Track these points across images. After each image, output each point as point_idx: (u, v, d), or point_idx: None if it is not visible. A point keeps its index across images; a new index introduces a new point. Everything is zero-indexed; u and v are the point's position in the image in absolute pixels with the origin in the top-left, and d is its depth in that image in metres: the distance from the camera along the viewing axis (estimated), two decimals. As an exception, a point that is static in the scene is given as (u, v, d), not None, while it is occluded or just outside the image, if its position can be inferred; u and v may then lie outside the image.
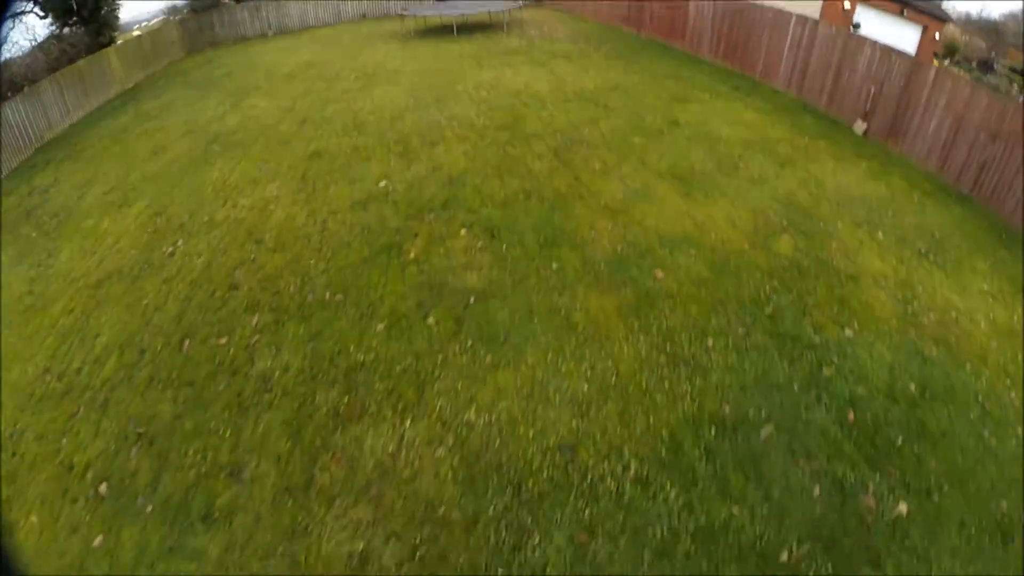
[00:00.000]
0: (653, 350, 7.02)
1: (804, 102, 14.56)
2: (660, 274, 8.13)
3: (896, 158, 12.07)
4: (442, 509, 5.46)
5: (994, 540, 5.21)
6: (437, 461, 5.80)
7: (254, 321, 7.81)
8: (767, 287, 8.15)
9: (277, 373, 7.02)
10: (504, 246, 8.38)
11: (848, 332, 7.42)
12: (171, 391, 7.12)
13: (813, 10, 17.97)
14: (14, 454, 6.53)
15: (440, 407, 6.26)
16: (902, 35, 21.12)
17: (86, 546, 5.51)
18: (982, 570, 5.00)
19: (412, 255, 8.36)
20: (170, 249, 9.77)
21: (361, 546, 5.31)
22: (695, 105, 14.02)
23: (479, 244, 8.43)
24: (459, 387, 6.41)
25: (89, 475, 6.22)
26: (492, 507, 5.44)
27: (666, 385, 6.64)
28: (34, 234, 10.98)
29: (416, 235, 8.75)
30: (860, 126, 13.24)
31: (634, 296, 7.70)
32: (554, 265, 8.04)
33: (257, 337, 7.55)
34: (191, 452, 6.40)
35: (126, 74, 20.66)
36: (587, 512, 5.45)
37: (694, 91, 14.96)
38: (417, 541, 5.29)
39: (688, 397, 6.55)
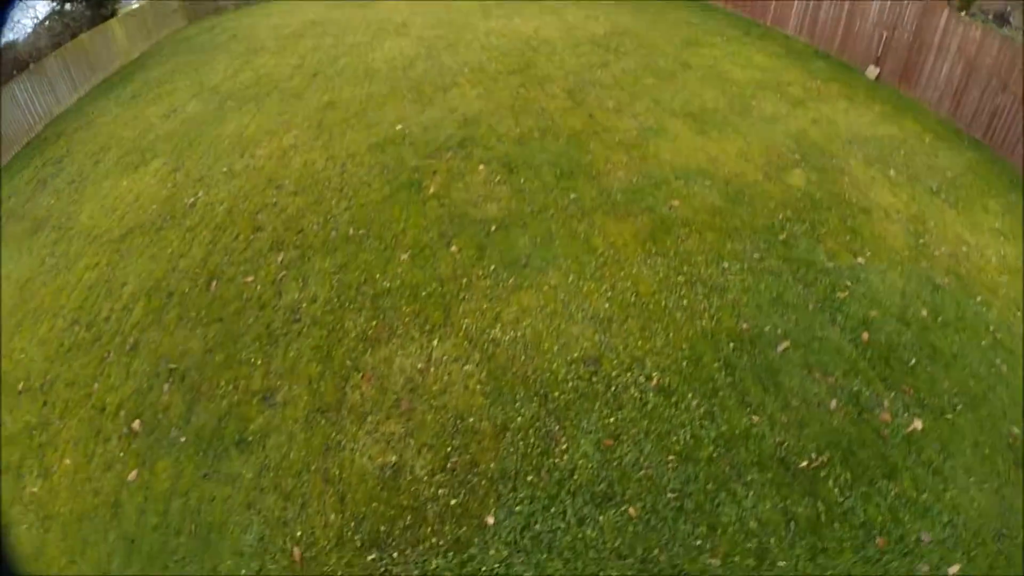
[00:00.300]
0: (671, 272, 7.00)
1: (816, 48, 14.14)
2: (675, 203, 8.06)
3: (908, 102, 11.75)
4: (471, 420, 5.55)
5: (1007, 462, 5.19)
6: (465, 375, 5.88)
7: (280, 258, 7.86)
8: (780, 216, 8.07)
9: (305, 304, 7.09)
10: (522, 179, 8.33)
11: (860, 260, 7.37)
12: (201, 328, 7.20)
13: None
14: (44, 403, 6.53)
15: (466, 326, 6.32)
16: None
17: (120, 481, 5.59)
18: (998, 489, 4.99)
19: (432, 190, 8.33)
20: (191, 200, 9.77)
21: (394, 458, 5.42)
22: (707, 49, 13.68)
23: (497, 178, 8.38)
24: (484, 308, 6.46)
25: (122, 414, 6.27)
26: (520, 416, 5.53)
27: (684, 303, 6.63)
28: (52, 201, 10.77)
29: (435, 172, 8.71)
30: (872, 71, 12.89)
31: (650, 223, 7.65)
32: (572, 195, 7.99)
33: (283, 273, 7.61)
34: (223, 383, 6.48)
35: (130, 45, 20.27)
36: (612, 419, 5.52)
37: (706, 36, 14.58)
38: (448, 451, 5.39)
39: (706, 314, 6.55)
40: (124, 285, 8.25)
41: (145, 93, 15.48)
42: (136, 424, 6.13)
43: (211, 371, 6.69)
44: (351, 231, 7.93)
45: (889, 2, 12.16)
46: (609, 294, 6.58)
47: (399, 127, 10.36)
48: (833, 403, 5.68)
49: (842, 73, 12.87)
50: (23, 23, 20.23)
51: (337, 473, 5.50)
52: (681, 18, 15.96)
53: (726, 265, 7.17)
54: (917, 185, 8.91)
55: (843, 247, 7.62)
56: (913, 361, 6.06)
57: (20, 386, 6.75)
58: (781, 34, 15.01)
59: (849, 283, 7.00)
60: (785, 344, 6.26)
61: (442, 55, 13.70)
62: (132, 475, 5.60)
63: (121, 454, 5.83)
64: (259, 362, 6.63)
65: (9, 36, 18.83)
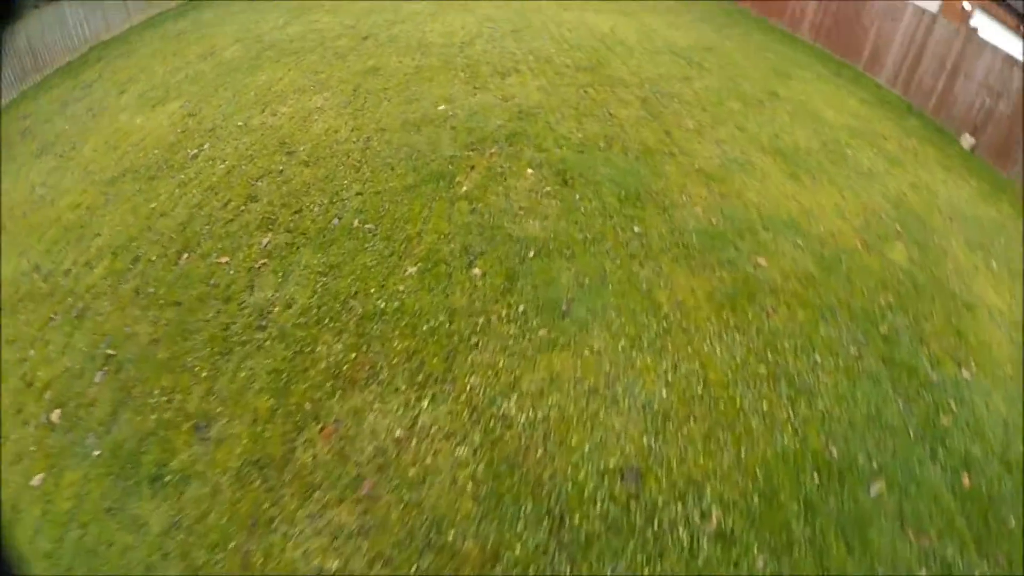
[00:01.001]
0: (751, 357, 5.04)
1: (910, 103, 11.95)
2: (762, 261, 6.07)
3: (1005, 183, 9.78)
4: (452, 533, 3.70)
5: None
6: (457, 463, 4.01)
7: (265, 241, 6.07)
8: (882, 300, 6.22)
9: (277, 308, 5.29)
10: (577, 195, 6.35)
11: (966, 373, 5.70)
12: (154, 310, 5.57)
13: (930, 3, 14.93)
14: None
15: (471, 387, 4.44)
16: (1016, 52, 17.71)
17: (25, 482, 4.37)
18: None
19: (464, 188, 6.41)
20: (194, 151, 8.08)
21: (335, 565, 3.61)
22: (796, 82, 11.54)
23: (547, 188, 6.42)
24: (500, 365, 4.56)
25: (47, 396, 4.99)
26: (521, 544, 3.66)
27: (764, 406, 4.70)
28: (66, 127, 9.52)
29: (472, 167, 6.78)
30: (968, 140, 10.75)
31: (731, 282, 5.67)
32: (636, 228, 6.01)
33: (264, 261, 5.82)
34: (158, 391, 4.85)
35: None
36: (648, 571, 3.62)
37: (795, 68, 12.41)
38: (412, 572, 3.55)
39: (789, 426, 4.63)
40: (96, 236, 6.77)
41: (192, 32, 13.94)
42: (56, 415, 4.82)
43: (150, 370, 5.04)
44: (356, 223, 6.08)
45: (999, 66, 10.08)
46: (669, 376, 4.64)
47: (442, 107, 8.45)
48: (923, 573, 4.04)
49: (937, 136, 10.84)
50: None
51: (260, 562, 3.72)
52: (768, 45, 13.77)
53: (818, 358, 5.24)
54: (1017, 283, 7.24)
55: (948, 353, 5.86)
56: (1013, 522, 4.53)
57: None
58: (873, 81, 12.82)
59: (954, 405, 5.35)
60: (880, 485, 4.53)
61: (506, 38, 11.73)
62: (37, 479, 4.40)
63: (33, 448, 4.61)
64: (204, 374, 4.90)
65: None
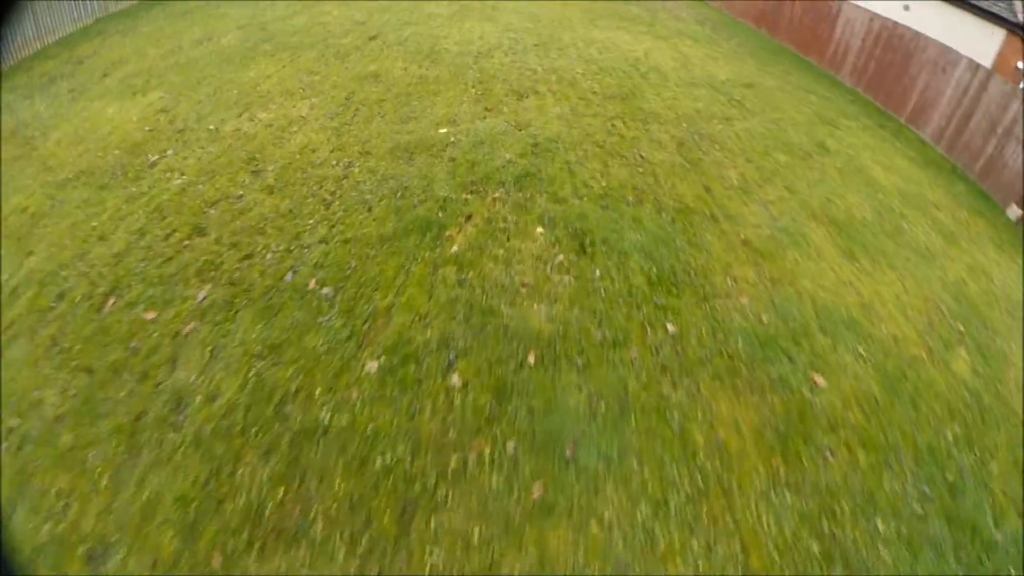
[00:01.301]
0: (804, 527, 3.68)
1: (954, 164, 10.57)
2: (820, 380, 4.69)
3: None
4: None
5: None
6: None
7: (201, 295, 4.70)
8: (948, 433, 4.97)
9: (198, 399, 3.94)
10: (597, 270, 4.94)
11: None
12: (65, 374, 4.39)
13: (982, 55, 13.46)
14: None
15: (430, 568, 3.05)
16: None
17: None
18: None
19: (454, 248, 5.02)
20: (156, 157, 6.77)
21: None
22: (843, 133, 10.14)
23: (559, 257, 5.01)
24: (474, 535, 3.17)
25: None
26: None
27: (822, 609, 3.33)
28: (43, 108, 8.29)
29: (469, 218, 5.39)
30: (1015, 212, 9.38)
31: (783, 412, 4.29)
32: (670, 325, 4.60)
33: (194, 325, 4.45)
34: (55, 491, 3.59)
35: None
36: None
37: (839, 115, 11.02)
38: None
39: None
40: (29, 255, 5.63)
41: (198, 12, 12.70)
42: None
43: (51, 458, 3.96)
44: (312, 283, 4.70)
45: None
46: (701, 564, 3.25)
47: (443, 130, 7.07)
48: None
49: (984, 205, 9.52)
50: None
51: None
52: (809, 86, 12.36)
53: (880, 525, 3.91)
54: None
55: (1011, 501, 4.60)
56: None
57: None
58: (916, 136, 11.42)
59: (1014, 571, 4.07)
60: None
61: (528, 53, 10.34)
62: None
63: None
64: (105, 482, 3.66)
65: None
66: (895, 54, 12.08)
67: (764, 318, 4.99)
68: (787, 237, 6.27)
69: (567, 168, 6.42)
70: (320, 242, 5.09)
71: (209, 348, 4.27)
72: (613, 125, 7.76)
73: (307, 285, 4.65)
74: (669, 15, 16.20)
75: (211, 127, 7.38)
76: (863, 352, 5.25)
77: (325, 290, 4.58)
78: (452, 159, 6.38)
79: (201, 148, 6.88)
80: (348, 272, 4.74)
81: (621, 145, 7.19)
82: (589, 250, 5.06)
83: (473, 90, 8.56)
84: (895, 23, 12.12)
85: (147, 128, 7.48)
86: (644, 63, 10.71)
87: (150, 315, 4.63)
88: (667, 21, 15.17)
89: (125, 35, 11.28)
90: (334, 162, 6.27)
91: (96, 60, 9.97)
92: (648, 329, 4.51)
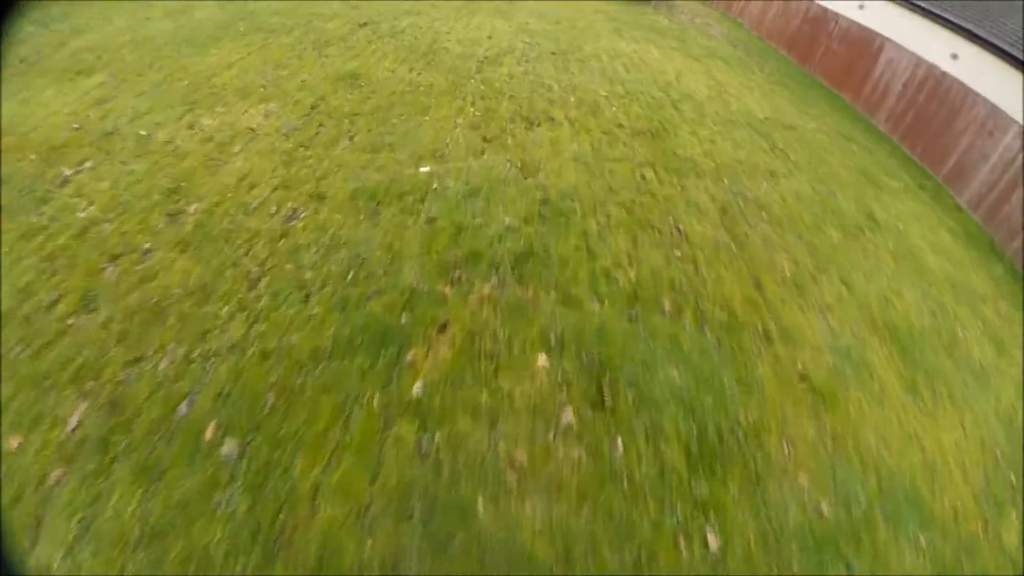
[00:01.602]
0: None
1: (991, 238, 9.17)
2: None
3: None
4: None
5: None
6: None
7: (73, 421, 3.22)
8: None
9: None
10: (619, 440, 3.39)
11: None
12: None
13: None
14: None
15: None
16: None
17: None
18: None
19: (418, 385, 3.45)
20: (69, 172, 5.20)
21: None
22: (887, 197, 8.69)
23: (568, 414, 3.43)
24: None
25: None
26: None
27: None
28: None
29: (443, 327, 3.82)
30: None
31: None
32: (711, 537, 3.08)
33: (62, 471, 3.02)
34: None
35: None
36: None
37: (883, 173, 9.56)
38: None
39: None
40: None
41: None
42: None
43: None
44: (209, 430, 3.14)
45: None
46: None
47: (426, 169, 5.46)
48: None
49: (1020, 290, 8.17)
50: None
51: None
52: (848, 131, 10.83)
53: None
54: None
55: None
56: None
57: None
58: (952, 200, 10.00)
59: None
60: None
61: (544, 61, 8.66)
62: None
63: None
64: None
65: None
66: (939, 107, 10.59)
67: (824, 507, 3.53)
68: (849, 366, 4.79)
69: (585, 245, 4.85)
70: (232, 349, 3.51)
71: (78, 517, 2.74)
72: (643, 177, 6.18)
73: (203, 431, 3.09)
74: (699, 31, 14.48)
75: (143, 132, 5.72)
76: (923, 541, 3.87)
77: (227, 447, 3.03)
78: (431, 220, 4.77)
79: (122, 164, 5.24)
80: (262, 415, 3.18)
81: (653, 209, 5.62)
82: (609, 400, 3.52)
83: (472, 109, 6.90)
84: (943, 73, 10.58)
85: (75, 125, 5.83)
86: (676, 88, 9.07)
87: (14, 442, 3.08)
88: (697, 38, 13.47)
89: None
90: (274, 208, 4.64)
91: (60, 24, 8.24)
92: (683, 544, 3.03)
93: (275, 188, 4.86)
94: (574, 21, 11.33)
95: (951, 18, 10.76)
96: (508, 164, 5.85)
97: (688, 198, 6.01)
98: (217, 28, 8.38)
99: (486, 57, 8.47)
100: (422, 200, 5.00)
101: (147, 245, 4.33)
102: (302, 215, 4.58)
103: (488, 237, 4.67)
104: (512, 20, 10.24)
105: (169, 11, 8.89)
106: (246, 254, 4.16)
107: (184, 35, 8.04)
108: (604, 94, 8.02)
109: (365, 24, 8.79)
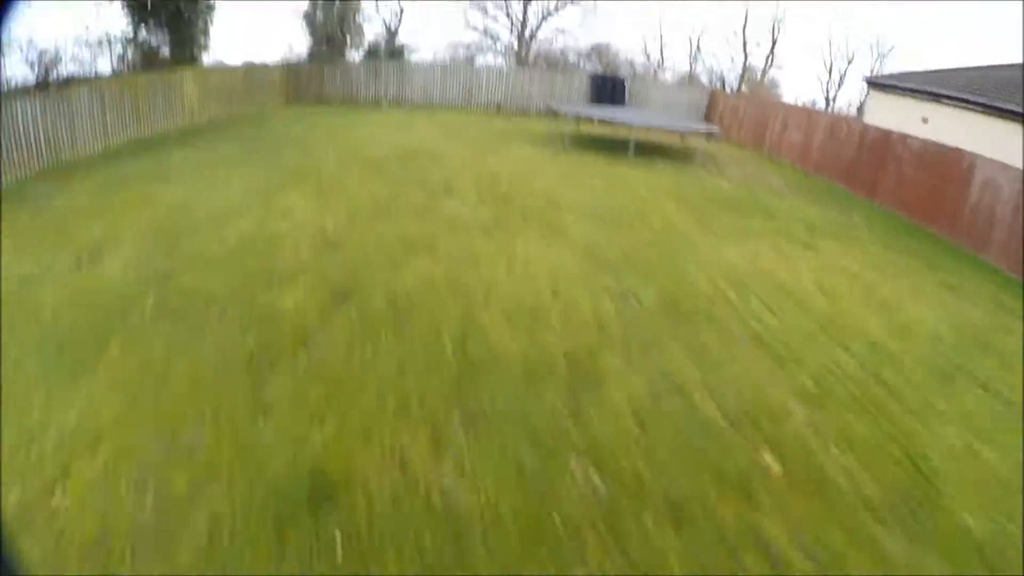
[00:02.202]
0: None
1: None
2: None
3: None
4: None
5: None
6: None
7: None
8: None
9: None
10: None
11: None
12: None
13: None
14: None
15: None
16: None
17: None
18: None
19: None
20: None
21: None
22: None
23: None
24: None
25: None
26: None
27: None
28: None
29: None
30: None
31: None
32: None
33: None
34: None
35: (199, 106, 13.59)
36: None
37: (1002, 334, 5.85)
38: None
39: None
40: None
41: (127, 188, 8.44)
42: None
43: None
44: None
45: None
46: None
47: None
48: None
49: None
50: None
51: None
52: (982, 291, 7.11)
53: None
54: None
55: None
56: None
57: None
58: None
59: None
60: None
61: (663, 343, 5.04)
62: None
63: None
64: None
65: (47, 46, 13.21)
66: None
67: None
68: None
69: None
70: None
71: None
72: None
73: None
74: (761, 187, 11.58)
75: None
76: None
77: None
78: None
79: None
80: None
81: None
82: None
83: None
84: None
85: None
86: (846, 328, 5.45)
87: None
88: (776, 203, 10.41)
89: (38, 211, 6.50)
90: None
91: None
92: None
93: None
94: (642, 216, 8.09)
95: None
96: None
97: None
98: (127, 299, 4.98)
99: (583, 353, 4.81)
100: None
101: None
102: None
103: None
104: (567, 238, 6.90)
105: (77, 255, 5.59)
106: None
107: (62, 326, 4.60)
108: (796, 409, 4.23)
109: (346, 296, 5.27)
